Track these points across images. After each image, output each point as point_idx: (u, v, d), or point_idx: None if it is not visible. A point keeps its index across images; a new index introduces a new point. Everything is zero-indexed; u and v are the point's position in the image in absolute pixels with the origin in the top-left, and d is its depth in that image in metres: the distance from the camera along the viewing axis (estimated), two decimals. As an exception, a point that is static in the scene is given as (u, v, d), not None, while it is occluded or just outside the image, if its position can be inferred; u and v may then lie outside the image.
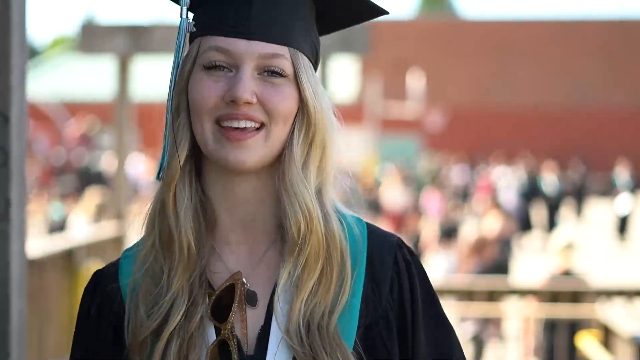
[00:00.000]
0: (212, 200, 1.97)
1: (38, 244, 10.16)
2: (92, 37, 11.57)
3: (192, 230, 1.93)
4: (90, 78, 43.50)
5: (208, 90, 1.91)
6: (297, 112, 1.95)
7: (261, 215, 1.97)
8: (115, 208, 11.77)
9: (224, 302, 1.93)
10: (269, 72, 1.92)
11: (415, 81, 39.89)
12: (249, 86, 1.89)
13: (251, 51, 1.90)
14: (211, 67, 1.92)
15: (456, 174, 33.29)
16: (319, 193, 1.97)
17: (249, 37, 1.91)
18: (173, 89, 1.96)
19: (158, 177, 1.95)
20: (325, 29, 2.06)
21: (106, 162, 23.33)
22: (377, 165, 30.64)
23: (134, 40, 11.31)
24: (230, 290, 1.93)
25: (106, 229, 11.53)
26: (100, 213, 12.81)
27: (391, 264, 2.00)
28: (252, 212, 1.97)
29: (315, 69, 2.00)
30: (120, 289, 1.98)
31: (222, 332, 1.91)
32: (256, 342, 1.93)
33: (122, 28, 11.54)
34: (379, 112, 35.02)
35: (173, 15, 1.99)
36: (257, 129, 1.91)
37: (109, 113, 13.20)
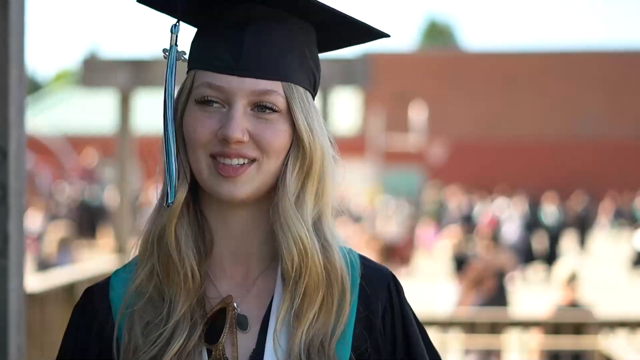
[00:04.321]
0: (210, 225, 1.98)
1: (39, 278, 10.14)
2: (94, 72, 11.62)
3: (194, 258, 1.94)
4: (93, 112, 43.65)
5: (201, 126, 1.91)
6: (291, 145, 1.95)
7: (256, 244, 1.98)
8: (117, 242, 11.76)
9: (216, 325, 1.94)
10: (261, 108, 1.91)
11: (418, 114, 39.95)
12: (240, 124, 1.89)
13: (243, 88, 1.90)
14: (204, 102, 1.92)
15: (459, 206, 33.25)
16: (318, 222, 1.97)
17: (241, 73, 1.90)
18: (170, 119, 1.95)
19: (167, 205, 1.95)
20: (326, 49, 2.06)
21: (108, 196, 23.29)
22: (379, 198, 30.63)
23: (135, 74, 11.36)
24: (221, 313, 1.94)
25: (108, 263, 11.51)
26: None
27: (384, 294, 2.02)
28: (246, 241, 1.98)
29: (314, 94, 2.00)
30: (111, 308, 1.99)
31: (213, 353, 1.92)
32: None
33: (123, 62, 11.59)
34: (381, 144, 35.04)
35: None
36: (250, 162, 1.91)
37: (111, 147, 13.23)
